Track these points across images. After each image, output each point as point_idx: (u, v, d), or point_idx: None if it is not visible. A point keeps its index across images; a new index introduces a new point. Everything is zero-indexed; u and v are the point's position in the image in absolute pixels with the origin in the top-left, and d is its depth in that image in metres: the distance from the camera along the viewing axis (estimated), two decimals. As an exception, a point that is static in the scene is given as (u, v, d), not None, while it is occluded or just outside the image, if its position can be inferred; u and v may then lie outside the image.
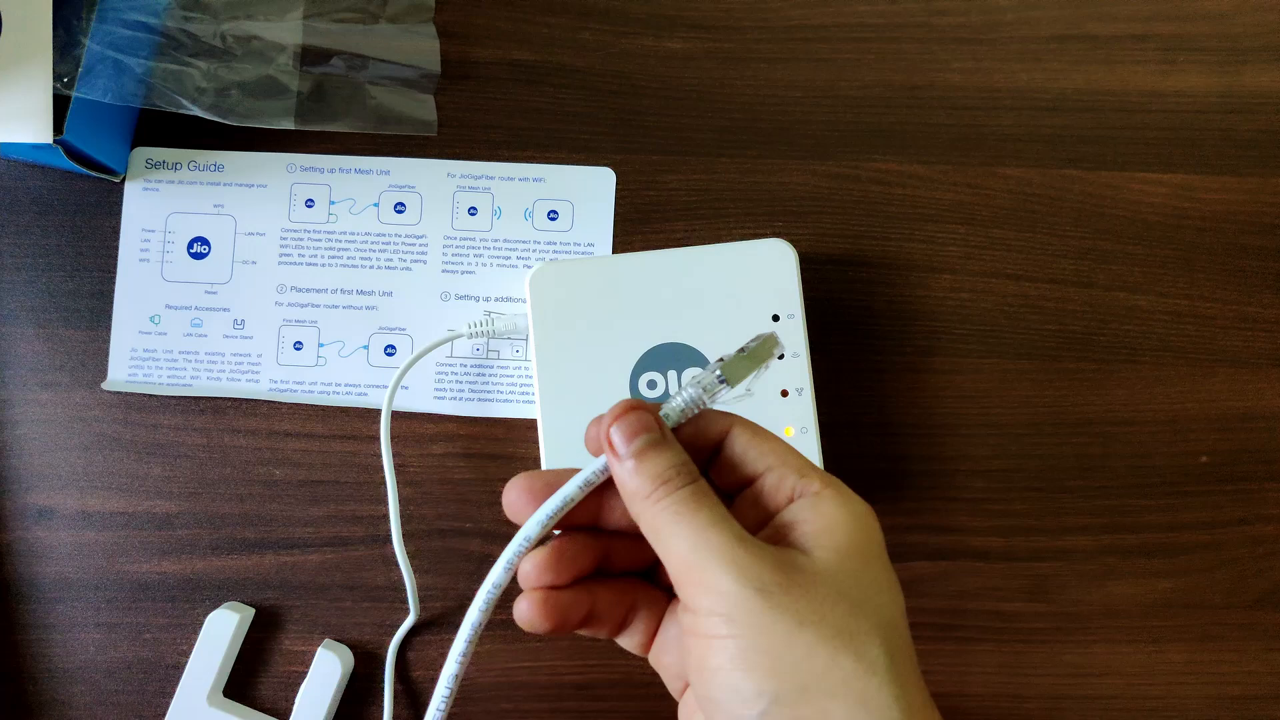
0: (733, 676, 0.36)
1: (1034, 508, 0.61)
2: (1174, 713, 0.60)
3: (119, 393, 0.61)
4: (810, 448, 0.57)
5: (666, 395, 0.58)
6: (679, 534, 0.38)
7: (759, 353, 0.42)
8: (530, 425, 0.61)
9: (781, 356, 0.45)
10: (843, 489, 0.40)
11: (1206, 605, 0.61)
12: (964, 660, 0.60)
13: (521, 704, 0.59)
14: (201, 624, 0.58)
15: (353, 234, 0.62)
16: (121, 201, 0.62)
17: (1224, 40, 0.65)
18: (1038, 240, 0.63)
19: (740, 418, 0.42)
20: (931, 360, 0.62)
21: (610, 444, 0.40)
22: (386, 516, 0.59)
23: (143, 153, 0.62)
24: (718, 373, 0.40)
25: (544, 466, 0.57)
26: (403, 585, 0.59)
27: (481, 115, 0.63)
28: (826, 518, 0.39)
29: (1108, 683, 0.60)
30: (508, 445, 0.61)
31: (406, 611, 0.59)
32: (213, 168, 0.62)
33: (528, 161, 0.63)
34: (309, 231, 0.62)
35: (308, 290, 0.62)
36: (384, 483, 0.59)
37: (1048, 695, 0.60)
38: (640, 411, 0.40)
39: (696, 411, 0.40)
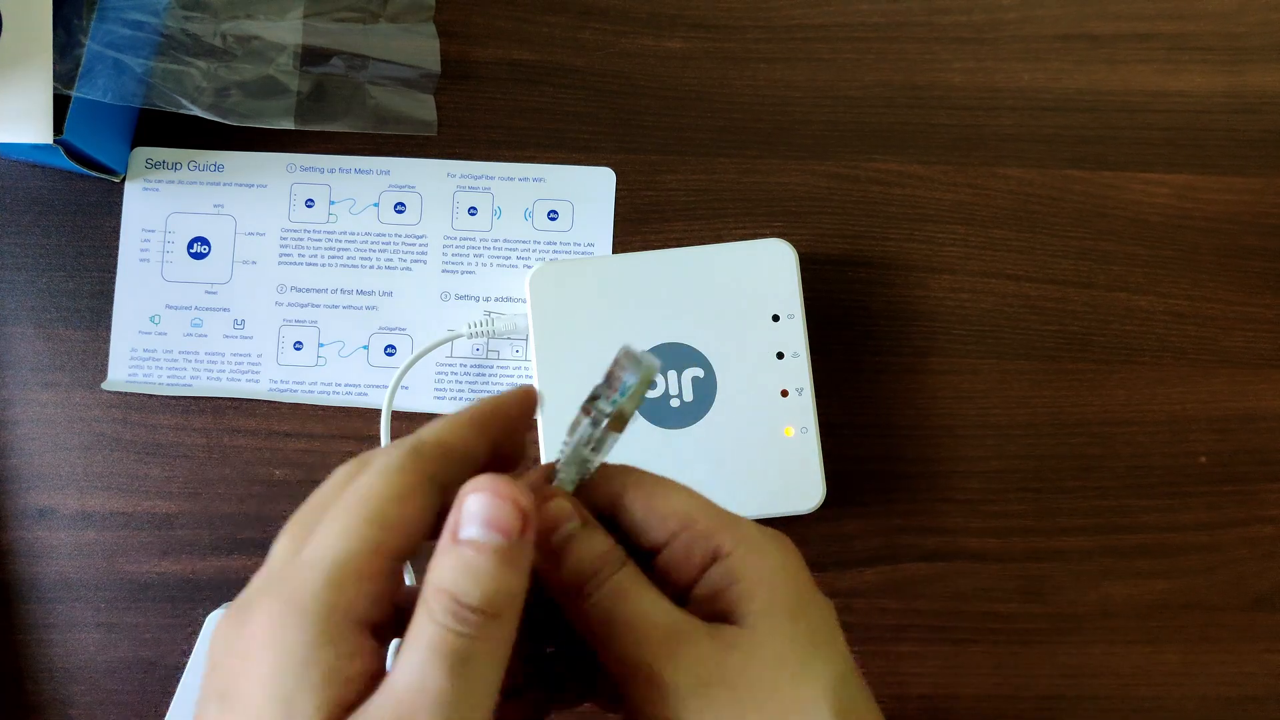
0: None
1: (1031, 508, 0.61)
2: (1170, 714, 0.60)
3: (119, 393, 0.61)
4: (810, 448, 0.57)
5: (666, 395, 0.58)
6: (615, 633, 0.35)
7: (640, 388, 0.36)
8: (530, 425, 0.61)
9: (651, 382, 0.37)
10: (752, 536, 0.37)
11: (1204, 606, 0.61)
12: (959, 661, 0.61)
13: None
14: (201, 624, 0.58)
15: (353, 234, 0.62)
16: (121, 201, 0.62)
17: (1228, 40, 0.65)
18: (1038, 240, 0.63)
19: (631, 474, 0.38)
20: (930, 360, 0.62)
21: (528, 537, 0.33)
22: (386, 516, 0.59)
23: (143, 153, 0.62)
24: (604, 424, 0.36)
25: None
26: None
27: (481, 115, 0.63)
28: (748, 580, 0.36)
29: (1104, 683, 0.60)
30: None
31: (406, 611, 0.59)
32: (213, 168, 0.62)
33: (528, 161, 0.63)
34: (309, 231, 0.62)
35: (308, 290, 0.62)
36: (383, 483, 0.59)
37: (1043, 696, 0.60)
38: (556, 500, 0.36)
39: (591, 473, 0.37)
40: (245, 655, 0.30)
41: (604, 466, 0.37)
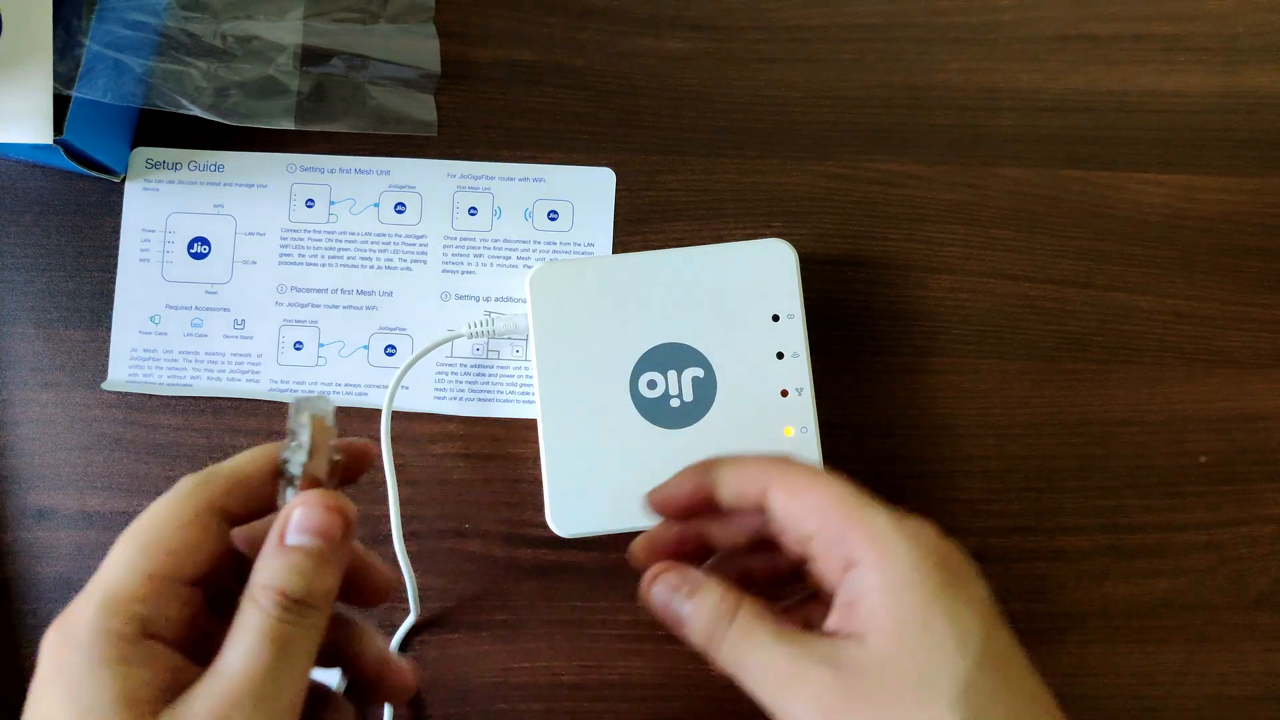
0: None
1: (1032, 508, 0.61)
2: (1171, 713, 0.60)
3: (119, 393, 0.61)
4: (810, 448, 0.57)
5: (666, 395, 0.58)
6: (746, 681, 0.39)
7: (318, 435, 0.38)
8: (530, 425, 0.61)
9: (325, 427, 0.38)
10: (883, 537, 0.38)
11: (1204, 606, 0.61)
12: (963, 660, 0.61)
13: (519, 704, 0.59)
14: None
15: (353, 234, 0.62)
16: (121, 201, 0.62)
17: (1224, 40, 0.66)
18: (1037, 240, 0.64)
19: (775, 470, 0.41)
20: (930, 360, 0.62)
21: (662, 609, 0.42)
22: (386, 516, 0.59)
23: (143, 153, 0.62)
24: (296, 484, 0.37)
25: (544, 466, 0.57)
26: (403, 585, 0.59)
27: (481, 115, 0.64)
28: (873, 594, 0.37)
29: (1105, 683, 0.61)
30: (508, 445, 0.61)
31: (406, 611, 0.59)
32: (213, 168, 0.62)
33: (528, 161, 0.63)
34: (309, 231, 0.62)
35: (308, 290, 0.62)
36: (384, 483, 0.59)
37: (1046, 695, 0.61)
38: (666, 574, 0.42)
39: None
40: (40, 696, 0.33)
41: (752, 462, 0.42)
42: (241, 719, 0.33)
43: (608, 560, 0.60)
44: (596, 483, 0.57)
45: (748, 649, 0.39)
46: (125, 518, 0.59)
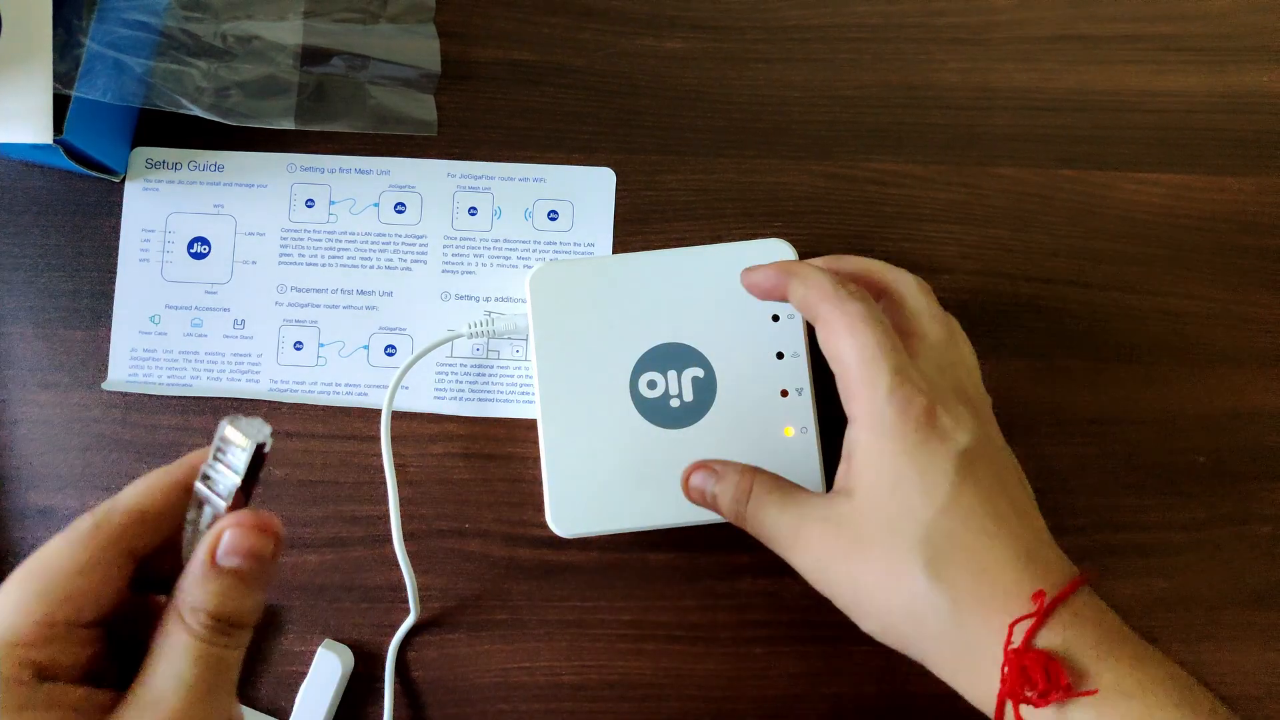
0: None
1: (1030, 507, 0.62)
2: (1169, 710, 0.61)
3: (119, 393, 0.61)
4: (810, 448, 0.57)
5: (666, 395, 0.58)
6: (764, 539, 0.49)
7: (254, 464, 0.36)
8: (530, 425, 0.61)
9: (262, 452, 0.36)
10: (876, 400, 0.45)
11: (1202, 605, 0.61)
12: (961, 658, 0.61)
13: (519, 704, 0.60)
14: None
15: (353, 234, 0.62)
16: (121, 201, 0.62)
17: (1218, 40, 0.66)
18: (1033, 240, 0.64)
19: (826, 306, 0.46)
20: (928, 360, 0.63)
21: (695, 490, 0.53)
22: (386, 516, 0.59)
23: (143, 153, 0.62)
24: (225, 506, 0.36)
25: (544, 466, 0.57)
26: (403, 585, 0.59)
27: (481, 115, 0.64)
28: (860, 447, 0.45)
29: (1103, 680, 0.61)
30: (508, 445, 0.61)
31: (406, 611, 0.59)
32: (213, 168, 0.62)
33: (528, 161, 0.63)
34: (309, 231, 0.62)
35: (308, 290, 0.62)
36: (384, 483, 0.59)
37: (1044, 693, 0.61)
38: (697, 471, 0.53)
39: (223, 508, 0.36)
40: None
41: (814, 286, 0.47)
42: None
43: (608, 560, 0.60)
44: (596, 483, 0.57)
45: (762, 516, 0.48)
46: (126, 518, 0.59)
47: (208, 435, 0.60)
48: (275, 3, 0.61)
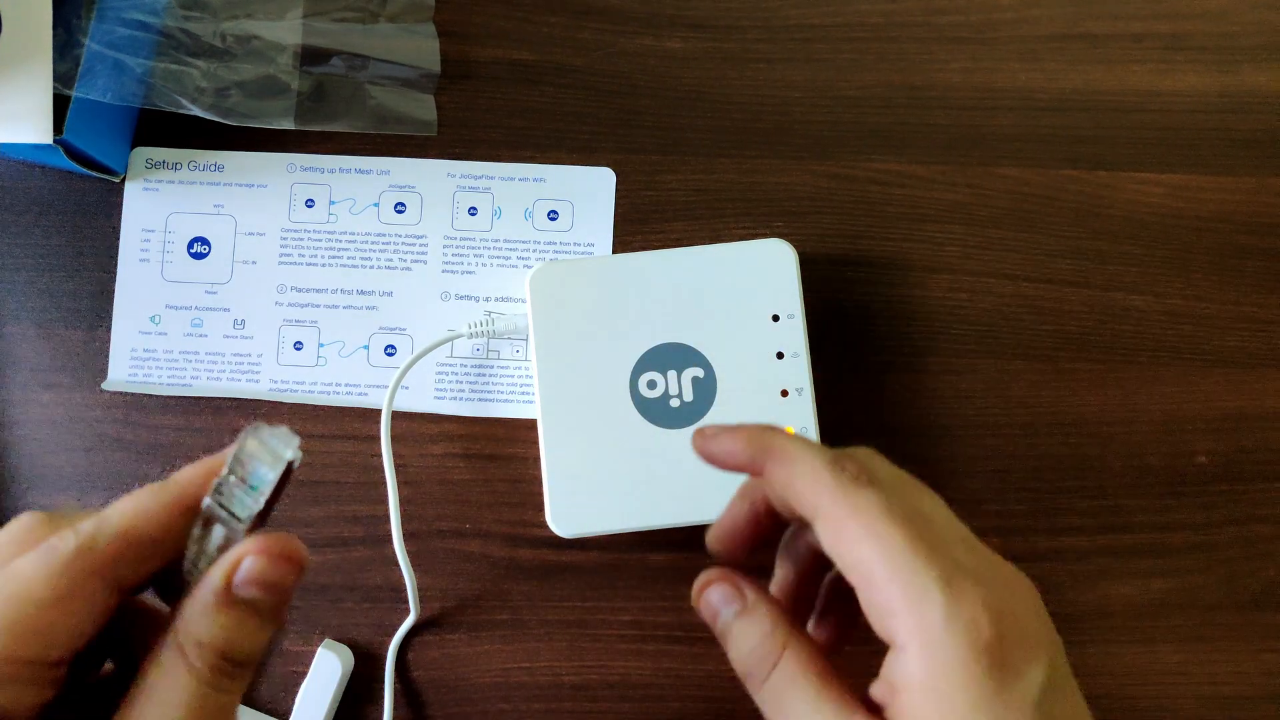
0: None
1: (1029, 508, 0.62)
2: (1167, 713, 0.61)
3: (119, 393, 0.61)
4: (809, 448, 0.57)
5: (666, 395, 0.58)
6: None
7: (280, 481, 0.32)
8: (530, 425, 0.61)
9: (291, 469, 0.33)
10: (931, 626, 0.32)
11: (1201, 605, 0.61)
12: (961, 660, 0.61)
13: (519, 704, 0.60)
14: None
15: (353, 234, 0.62)
16: (121, 201, 0.62)
17: (1222, 40, 0.66)
18: (1035, 240, 0.64)
19: (823, 498, 0.35)
20: (929, 360, 0.63)
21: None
22: (386, 516, 0.59)
23: (143, 153, 0.62)
24: (242, 527, 0.32)
25: (544, 466, 0.57)
26: (403, 585, 0.59)
27: (481, 115, 0.64)
28: (916, 689, 0.32)
29: (1101, 683, 0.61)
30: (508, 445, 0.61)
31: (406, 611, 0.59)
32: (213, 168, 0.62)
33: (528, 161, 0.63)
34: (309, 231, 0.62)
35: (308, 290, 0.62)
36: (384, 483, 0.59)
37: (1044, 694, 0.61)
38: (718, 585, 0.39)
39: (238, 540, 0.32)
40: None
41: (798, 479, 0.36)
42: None
43: (608, 560, 0.60)
44: (596, 483, 0.57)
45: (786, 704, 0.35)
46: (126, 518, 0.59)
47: (208, 435, 0.60)
48: (275, 2, 0.61)
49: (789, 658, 0.35)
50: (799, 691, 0.35)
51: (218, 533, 0.32)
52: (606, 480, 0.57)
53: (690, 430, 0.57)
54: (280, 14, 0.61)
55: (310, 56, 0.62)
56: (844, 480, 0.35)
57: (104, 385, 0.61)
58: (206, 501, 0.32)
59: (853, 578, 0.34)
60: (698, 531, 0.59)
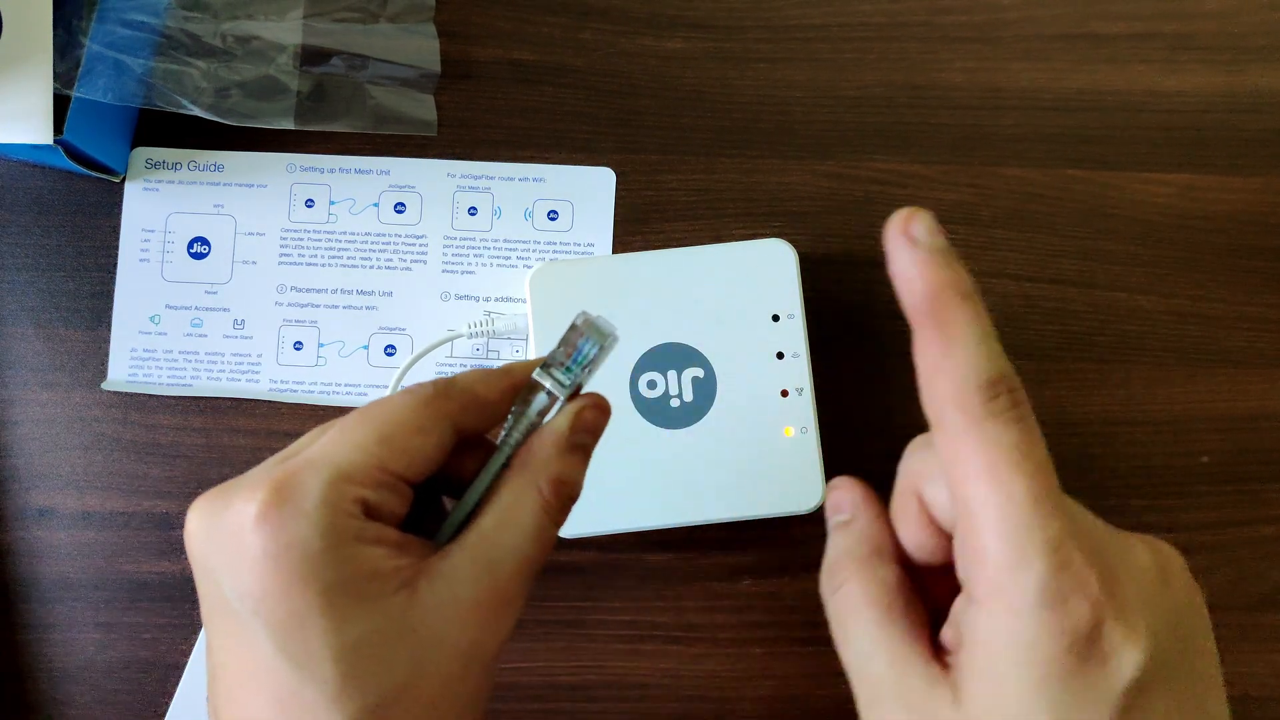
0: None
1: (1034, 509, 0.61)
2: (1174, 715, 0.60)
3: (119, 393, 0.61)
4: (810, 448, 0.57)
5: (666, 395, 0.58)
6: (839, 647, 0.36)
7: (600, 358, 0.39)
8: (530, 425, 0.61)
9: (607, 348, 0.39)
10: (1017, 599, 0.30)
11: (1208, 606, 0.61)
12: (963, 662, 0.60)
13: (516, 704, 0.59)
14: (201, 624, 0.58)
15: (353, 234, 0.62)
16: (121, 201, 0.62)
17: (1229, 39, 0.65)
18: (1040, 240, 0.63)
19: (961, 422, 0.32)
20: (932, 360, 0.62)
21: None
22: (386, 516, 0.59)
23: (143, 153, 0.62)
24: (562, 397, 0.38)
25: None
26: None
27: (481, 115, 0.63)
28: (982, 646, 0.31)
29: (1107, 684, 0.60)
30: (507, 445, 0.61)
31: (405, 611, 0.59)
32: (213, 168, 0.62)
33: (528, 161, 0.63)
34: (309, 231, 0.62)
35: (308, 290, 0.62)
36: (383, 483, 0.59)
37: (1047, 697, 0.60)
38: (837, 491, 0.39)
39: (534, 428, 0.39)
40: (239, 556, 0.32)
41: (951, 384, 0.32)
42: (509, 583, 0.35)
43: (607, 560, 0.60)
44: (596, 483, 0.56)
45: (846, 627, 0.35)
46: (125, 517, 0.60)
47: (208, 435, 0.60)
48: (275, 2, 0.61)
49: (853, 585, 0.35)
50: (856, 619, 0.35)
51: (539, 400, 0.38)
52: (606, 480, 0.57)
53: (691, 430, 0.57)
54: (280, 14, 0.61)
55: (310, 56, 0.62)
56: (991, 408, 0.31)
57: (104, 385, 0.61)
58: (536, 372, 0.38)
59: (958, 509, 0.32)
60: (696, 532, 0.59)
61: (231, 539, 0.33)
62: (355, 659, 0.32)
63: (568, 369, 0.38)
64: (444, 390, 0.37)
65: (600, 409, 0.39)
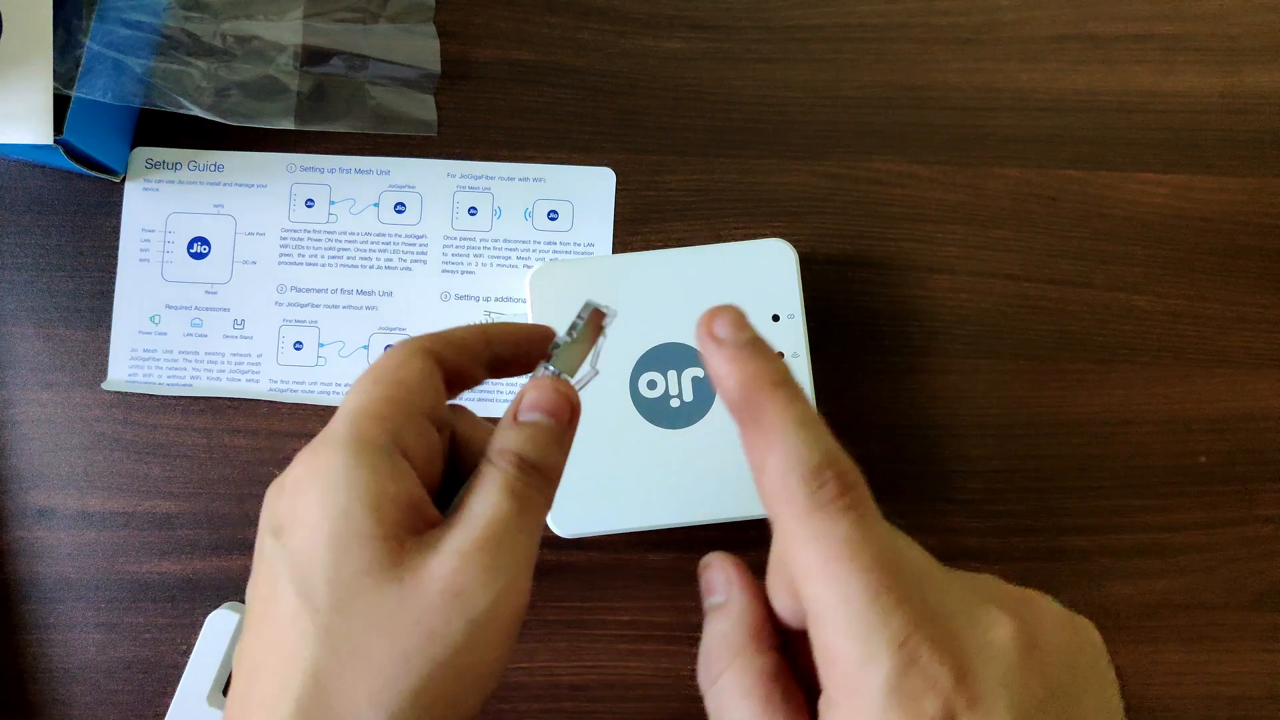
0: None
1: (1031, 508, 0.61)
2: (1169, 713, 0.60)
3: (119, 393, 0.61)
4: (809, 448, 0.57)
5: (666, 395, 0.58)
6: None
7: (587, 331, 0.40)
8: (530, 425, 0.61)
9: (604, 327, 0.41)
10: (875, 695, 0.29)
11: (1203, 606, 0.61)
12: (962, 660, 0.61)
13: (518, 704, 0.59)
14: (201, 624, 0.58)
15: (353, 234, 0.62)
16: (121, 201, 0.62)
17: (1224, 40, 0.65)
18: (1036, 240, 0.64)
19: (790, 516, 0.31)
20: (930, 360, 0.62)
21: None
22: (386, 516, 0.59)
23: (143, 153, 0.62)
24: (549, 367, 0.40)
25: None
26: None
27: (481, 115, 0.64)
28: None
29: (1105, 683, 0.61)
30: (507, 445, 0.61)
31: (406, 611, 0.59)
32: (213, 168, 0.62)
33: (528, 161, 0.63)
34: (309, 231, 0.62)
35: (308, 290, 0.62)
36: (384, 483, 0.59)
37: (1045, 695, 0.61)
38: (710, 571, 0.39)
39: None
40: (294, 492, 0.35)
41: (776, 477, 0.32)
42: (487, 560, 0.34)
43: (607, 560, 0.60)
44: (596, 483, 0.57)
45: (724, 715, 0.34)
46: (125, 517, 0.60)
47: (208, 435, 0.60)
48: (275, 2, 0.61)
49: (730, 675, 0.34)
50: (735, 712, 0.33)
51: (539, 369, 0.40)
52: (606, 480, 0.57)
53: (691, 430, 0.57)
54: (280, 14, 0.61)
55: (310, 56, 0.62)
56: (817, 500, 0.31)
57: (104, 385, 0.61)
58: (541, 364, 0.40)
59: (805, 605, 0.31)
60: (697, 532, 0.59)
61: (274, 487, 0.36)
62: (338, 618, 0.33)
63: (555, 343, 0.40)
64: (416, 337, 0.39)
65: (545, 388, 0.39)
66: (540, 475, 0.37)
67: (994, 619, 0.31)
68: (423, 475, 0.36)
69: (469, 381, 0.41)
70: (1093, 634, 0.33)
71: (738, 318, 0.34)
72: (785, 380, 0.33)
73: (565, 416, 0.39)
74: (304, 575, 0.33)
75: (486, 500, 0.35)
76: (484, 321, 0.41)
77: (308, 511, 0.34)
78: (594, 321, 0.40)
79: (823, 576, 0.30)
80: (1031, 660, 0.30)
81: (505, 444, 0.37)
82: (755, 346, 0.34)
